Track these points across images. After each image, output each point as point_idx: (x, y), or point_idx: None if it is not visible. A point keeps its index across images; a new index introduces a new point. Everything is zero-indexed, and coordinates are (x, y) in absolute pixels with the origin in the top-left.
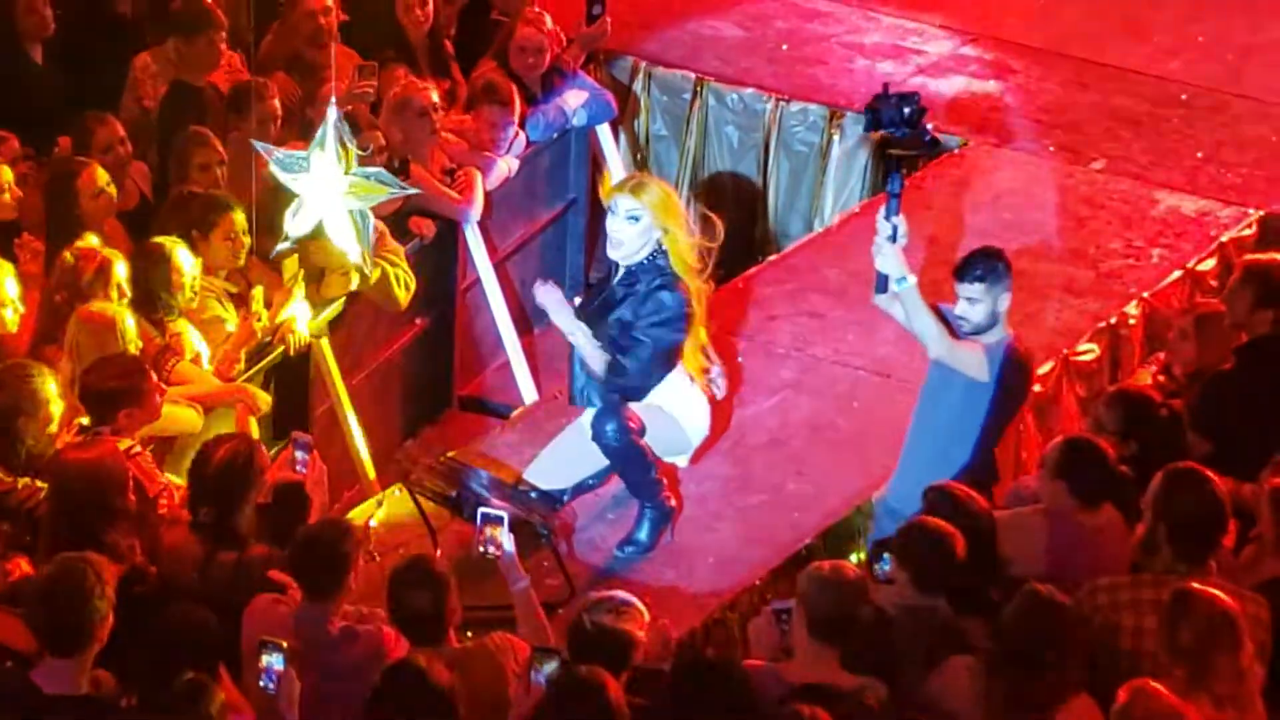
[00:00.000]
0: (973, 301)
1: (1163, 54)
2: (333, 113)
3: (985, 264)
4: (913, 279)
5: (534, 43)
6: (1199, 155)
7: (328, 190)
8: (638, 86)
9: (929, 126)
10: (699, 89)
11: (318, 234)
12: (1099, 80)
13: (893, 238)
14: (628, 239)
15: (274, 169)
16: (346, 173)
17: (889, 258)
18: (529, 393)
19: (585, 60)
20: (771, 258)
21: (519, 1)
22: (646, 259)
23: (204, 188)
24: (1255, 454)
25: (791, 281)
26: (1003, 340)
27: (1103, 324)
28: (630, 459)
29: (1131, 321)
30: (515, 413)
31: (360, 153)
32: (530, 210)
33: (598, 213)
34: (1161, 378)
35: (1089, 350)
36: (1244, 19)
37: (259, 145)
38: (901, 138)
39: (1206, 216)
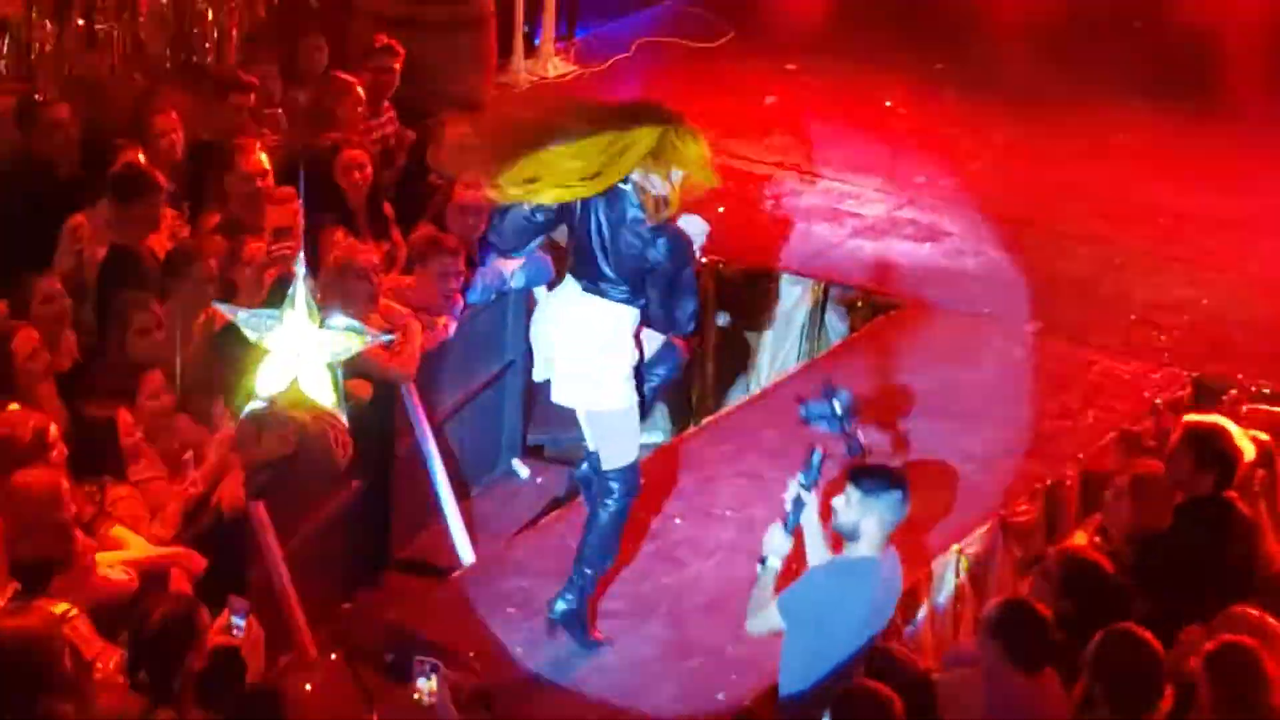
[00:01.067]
0: (846, 502)
1: (1097, 217)
2: (301, 268)
3: (872, 482)
4: (776, 565)
5: (474, 204)
6: (1132, 317)
7: (301, 345)
8: None
9: (858, 435)
10: None
11: (288, 392)
12: (1034, 243)
13: (796, 511)
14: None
15: (243, 328)
16: (319, 326)
17: (775, 536)
18: (466, 555)
19: None
20: (709, 419)
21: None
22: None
23: (142, 351)
24: (1195, 614)
25: (729, 443)
26: (859, 560)
27: (1039, 485)
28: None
29: (1068, 483)
30: (453, 574)
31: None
32: (468, 372)
33: None
34: (1098, 539)
35: (1025, 512)
36: (1173, 184)
37: (223, 307)
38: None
39: (1140, 378)
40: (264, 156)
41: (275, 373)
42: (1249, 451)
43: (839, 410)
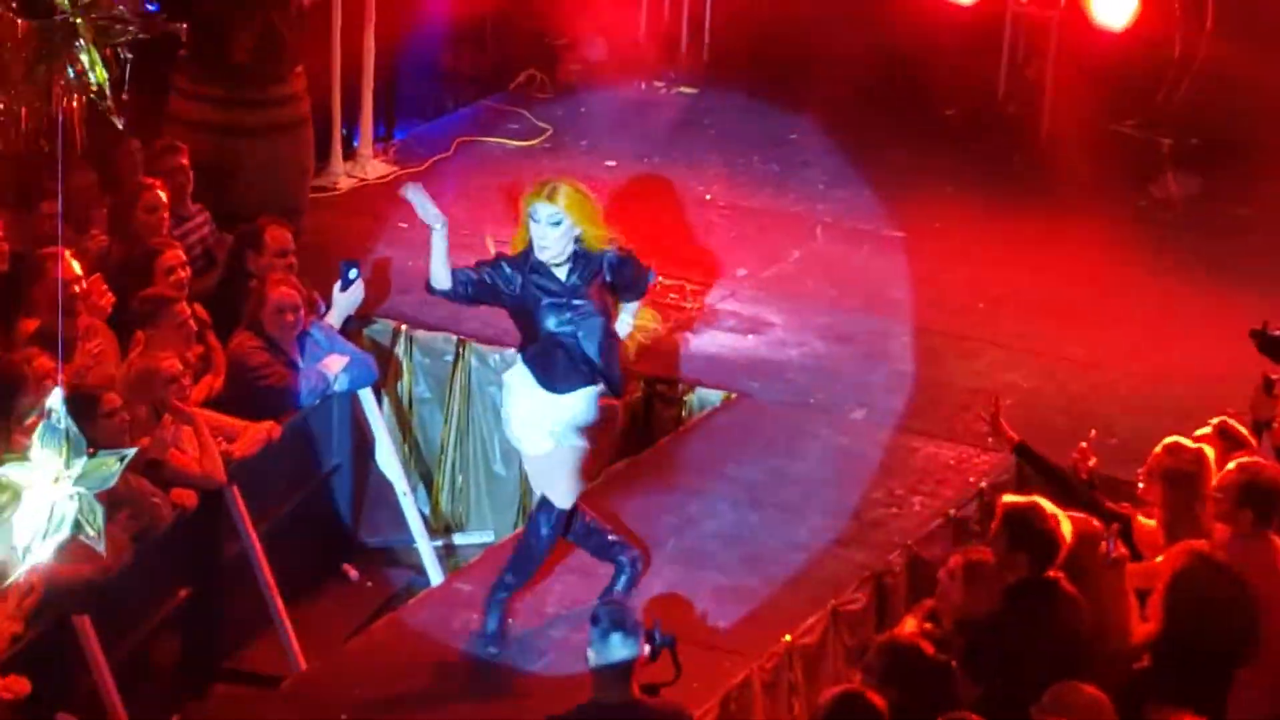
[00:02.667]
0: None
1: (917, 304)
2: (59, 399)
3: (593, 622)
4: None
5: (290, 300)
6: (954, 403)
7: (57, 484)
8: (399, 349)
9: None
10: (461, 350)
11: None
12: (856, 331)
13: None
14: (552, 242)
15: (11, 478)
16: (73, 459)
17: None
18: (296, 662)
19: (343, 324)
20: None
21: (270, 265)
22: (572, 253)
23: None
24: (1026, 699)
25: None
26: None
27: (868, 573)
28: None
29: (896, 570)
30: (284, 683)
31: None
32: (295, 477)
33: (363, 477)
34: (928, 625)
35: (854, 600)
36: (989, 270)
37: None
38: None
39: (964, 463)
40: (75, 264)
41: (38, 516)
42: (1067, 530)
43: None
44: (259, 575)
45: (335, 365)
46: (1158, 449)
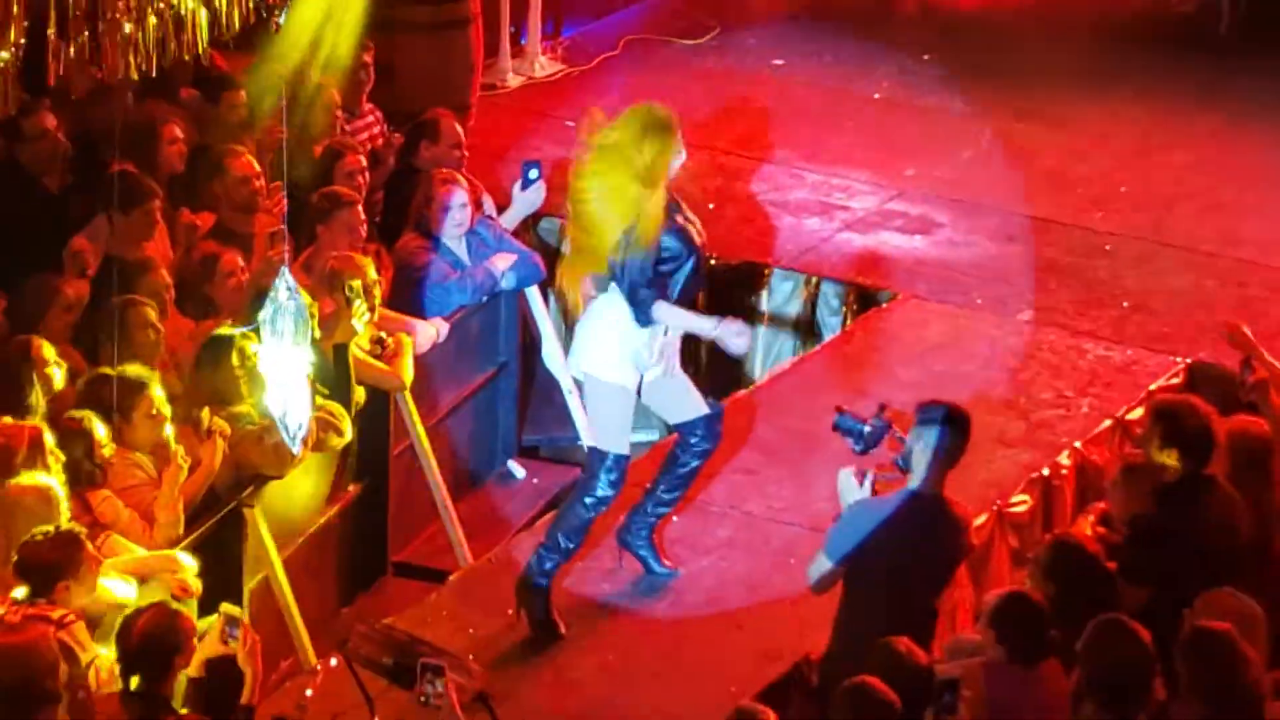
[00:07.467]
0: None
1: (1087, 205)
2: (285, 278)
3: (924, 412)
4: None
5: (459, 197)
6: (1125, 304)
7: (294, 362)
8: (566, 247)
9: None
10: None
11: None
12: (1025, 232)
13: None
14: None
15: (266, 364)
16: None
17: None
18: (464, 557)
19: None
20: None
21: (444, 155)
22: None
23: (146, 354)
24: (1190, 599)
25: (723, 439)
26: (898, 492)
27: (1035, 475)
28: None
29: (1063, 472)
30: (451, 577)
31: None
32: (461, 374)
33: (528, 376)
34: (1101, 528)
35: (1022, 501)
36: (1165, 173)
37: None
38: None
39: (1134, 365)
40: (253, 159)
41: (298, 394)
42: (1219, 429)
43: (866, 434)
44: (427, 471)
45: (502, 263)
46: None
